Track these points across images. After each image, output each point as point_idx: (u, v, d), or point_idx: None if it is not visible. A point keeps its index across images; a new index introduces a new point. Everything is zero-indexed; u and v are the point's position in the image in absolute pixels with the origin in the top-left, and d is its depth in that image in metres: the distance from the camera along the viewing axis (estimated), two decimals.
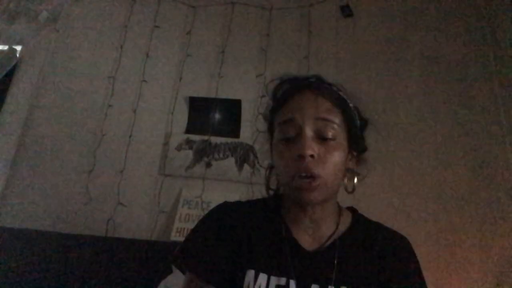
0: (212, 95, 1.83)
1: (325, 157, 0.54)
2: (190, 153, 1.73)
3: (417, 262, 0.58)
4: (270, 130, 0.63)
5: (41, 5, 1.89)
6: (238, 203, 0.66)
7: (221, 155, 1.73)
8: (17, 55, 1.83)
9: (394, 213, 1.56)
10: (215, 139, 1.76)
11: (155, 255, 1.43)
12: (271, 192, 0.67)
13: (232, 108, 1.82)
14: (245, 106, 1.80)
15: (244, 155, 1.72)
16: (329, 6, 1.98)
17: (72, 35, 1.91)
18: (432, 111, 1.74)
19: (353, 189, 0.60)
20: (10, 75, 1.78)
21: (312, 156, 0.53)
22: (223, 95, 1.83)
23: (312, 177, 0.53)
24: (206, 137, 1.76)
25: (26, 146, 1.70)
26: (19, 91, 1.77)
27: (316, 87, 0.58)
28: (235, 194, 1.64)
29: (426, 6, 1.93)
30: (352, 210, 0.66)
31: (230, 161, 1.72)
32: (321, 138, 0.55)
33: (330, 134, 0.55)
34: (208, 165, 1.72)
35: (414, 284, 0.56)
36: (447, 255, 1.50)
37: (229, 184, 1.70)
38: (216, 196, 1.65)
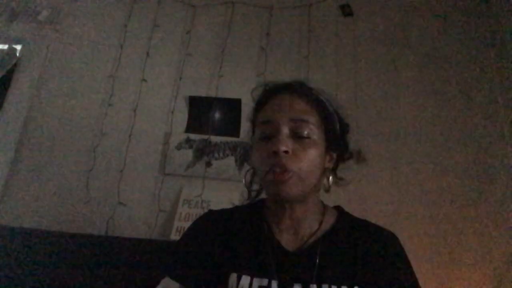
0: (212, 95, 1.83)
1: (300, 154, 0.56)
2: (190, 152, 1.73)
3: (406, 258, 0.58)
4: (253, 130, 0.66)
5: (41, 4, 1.89)
6: (221, 211, 0.70)
7: (221, 154, 1.73)
8: (17, 54, 1.82)
9: (394, 214, 1.56)
10: (215, 138, 1.76)
11: (155, 254, 1.43)
12: (253, 194, 0.68)
13: (232, 107, 1.82)
14: (245, 106, 1.80)
15: (244, 155, 1.72)
16: (329, 5, 1.98)
17: (72, 35, 1.91)
18: (432, 111, 1.74)
19: (329, 188, 0.61)
20: (10, 74, 1.78)
21: (286, 152, 0.55)
22: (223, 94, 1.83)
23: (286, 170, 0.54)
24: (206, 136, 1.76)
25: (26, 146, 1.70)
26: (19, 91, 1.77)
27: (293, 89, 0.61)
28: (235, 193, 1.64)
29: (426, 6, 1.93)
30: (338, 208, 0.66)
31: (230, 160, 1.72)
32: (296, 136, 0.57)
33: (305, 133, 0.57)
34: (208, 164, 1.72)
35: (404, 282, 0.55)
36: (447, 256, 1.50)
37: (229, 183, 1.70)
38: (216, 195, 1.65)
